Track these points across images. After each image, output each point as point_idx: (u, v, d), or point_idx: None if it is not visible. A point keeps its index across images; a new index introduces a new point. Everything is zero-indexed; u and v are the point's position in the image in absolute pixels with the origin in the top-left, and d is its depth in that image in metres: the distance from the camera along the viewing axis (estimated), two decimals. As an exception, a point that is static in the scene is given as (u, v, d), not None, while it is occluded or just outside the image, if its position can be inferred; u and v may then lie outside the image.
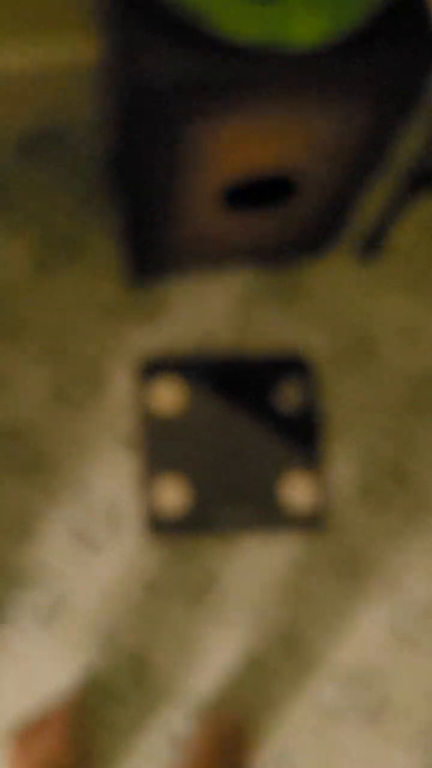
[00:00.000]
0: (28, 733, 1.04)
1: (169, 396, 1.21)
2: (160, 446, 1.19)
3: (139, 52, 0.79)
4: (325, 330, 1.27)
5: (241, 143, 0.91)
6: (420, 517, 1.21)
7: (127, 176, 1.00)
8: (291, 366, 1.24)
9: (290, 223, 1.13)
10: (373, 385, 1.26)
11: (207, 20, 0.78)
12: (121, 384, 1.22)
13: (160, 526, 1.16)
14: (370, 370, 1.26)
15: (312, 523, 1.19)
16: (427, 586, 1.19)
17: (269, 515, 1.18)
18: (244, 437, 1.20)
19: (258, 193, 1.07)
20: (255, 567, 1.18)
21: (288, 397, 1.23)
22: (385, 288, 1.29)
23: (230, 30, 0.78)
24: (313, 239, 1.20)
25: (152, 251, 1.14)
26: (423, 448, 1.24)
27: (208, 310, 1.26)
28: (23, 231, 1.26)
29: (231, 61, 0.80)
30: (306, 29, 0.78)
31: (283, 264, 1.27)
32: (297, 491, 1.19)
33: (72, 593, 1.14)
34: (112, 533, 1.17)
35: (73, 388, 1.21)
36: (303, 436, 1.21)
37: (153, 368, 1.22)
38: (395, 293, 1.29)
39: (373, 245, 1.27)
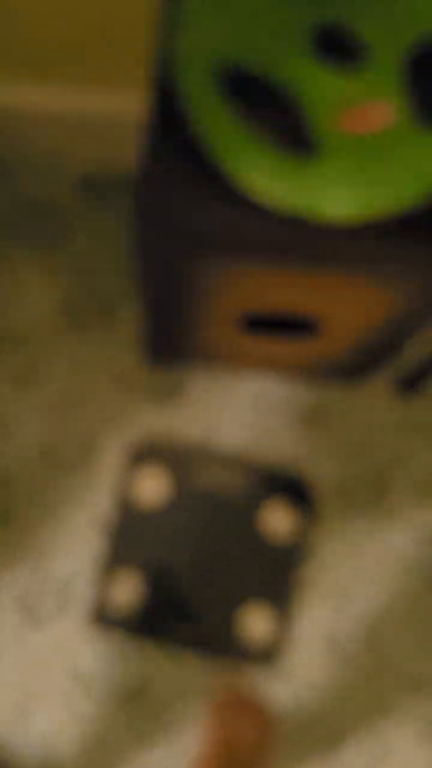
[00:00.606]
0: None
1: (152, 487, 1.15)
2: (129, 538, 1.13)
3: (158, 185, 0.72)
4: (338, 460, 1.18)
5: (259, 287, 0.83)
6: (378, 685, 1.12)
7: (143, 281, 0.93)
8: (289, 487, 1.15)
9: (317, 353, 1.05)
10: (374, 532, 1.16)
11: (235, 177, 0.71)
12: (110, 461, 1.17)
13: (105, 619, 1.11)
14: (374, 515, 1.17)
15: (262, 659, 1.11)
16: (357, 751, 1.10)
17: (220, 640, 1.12)
18: (217, 551, 1.13)
19: (282, 322, 0.98)
20: (191, 687, 1.12)
21: (277, 519, 1.15)
22: (415, 433, 1.19)
23: (255, 192, 0.70)
24: (342, 369, 1.11)
25: (168, 344, 1.08)
26: (403, 616, 1.14)
27: (220, 407, 1.19)
28: (61, 275, 1.22)
29: (253, 219, 0.72)
30: (339, 206, 0.69)
31: (310, 381, 1.19)
32: (256, 623, 1.12)
33: None
34: (57, 612, 1.12)
35: (62, 452, 1.17)
36: (280, 566, 1.14)
37: (144, 454, 1.16)
38: (425, 441, 1.19)
39: (411, 385, 1.16)
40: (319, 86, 0.72)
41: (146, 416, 1.18)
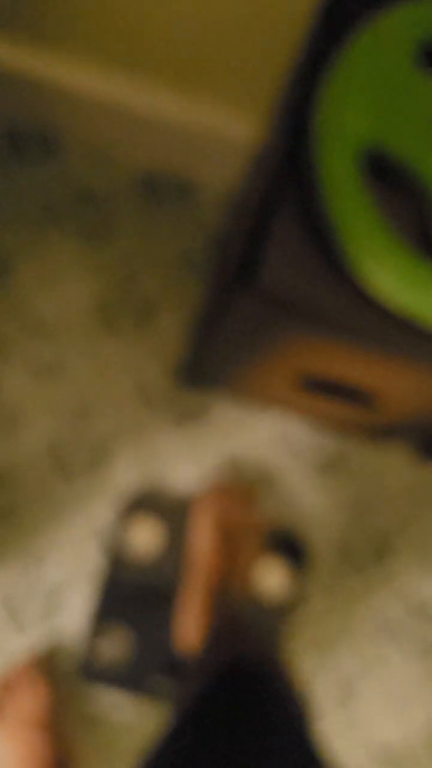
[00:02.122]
0: (3, 695, 1.02)
1: (145, 538, 1.11)
2: (120, 590, 1.09)
3: (267, 247, 0.69)
4: (345, 514, 1.17)
5: (328, 357, 0.81)
6: (346, 749, 1.13)
7: (209, 319, 0.90)
8: (285, 546, 1.14)
9: (361, 418, 1.03)
10: (367, 594, 1.16)
11: (357, 267, 0.67)
12: (118, 474, 1.14)
13: (91, 673, 1.08)
14: (371, 576, 1.16)
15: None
16: None
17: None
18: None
19: (337, 387, 0.96)
20: (162, 717, 1.11)
21: (269, 578, 1.13)
22: (426, 500, 1.18)
23: (374, 287, 0.67)
24: (371, 427, 1.10)
25: (210, 372, 1.05)
26: (380, 682, 1.15)
27: (239, 440, 1.16)
28: (102, 271, 1.17)
29: (359, 308, 0.69)
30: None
31: (335, 430, 1.17)
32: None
33: (-25, 659, 1.09)
34: (42, 619, 1.10)
35: (72, 455, 1.13)
36: (270, 623, 1.12)
37: (138, 504, 1.12)
38: (435, 512, 1.19)
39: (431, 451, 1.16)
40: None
41: (163, 434, 1.15)
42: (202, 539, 1.04)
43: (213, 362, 1.01)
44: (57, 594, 1.10)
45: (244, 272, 0.69)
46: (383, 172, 0.71)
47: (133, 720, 1.10)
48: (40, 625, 1.10)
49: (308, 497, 1.17)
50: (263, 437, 1.17)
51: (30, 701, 1.02)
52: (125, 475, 1.14)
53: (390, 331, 0.69)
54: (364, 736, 1.14)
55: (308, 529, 1.15)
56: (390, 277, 0.66)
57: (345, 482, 1.17)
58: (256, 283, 0.69)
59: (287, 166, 0.70)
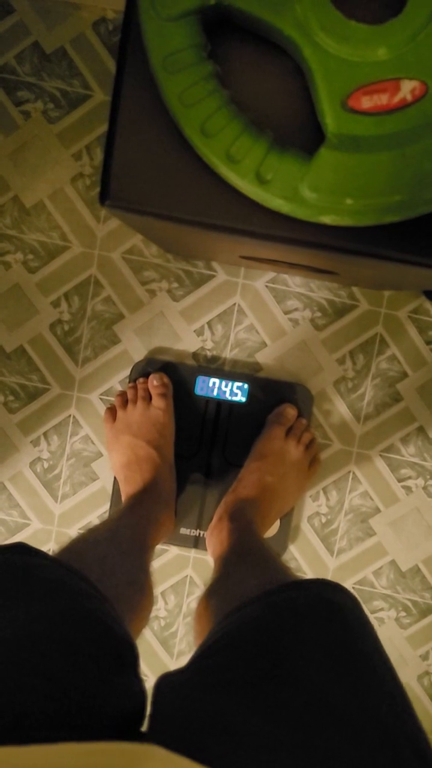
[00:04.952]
0: (121, 402, 1.06)
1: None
2: None
3: (113, 165, 0.61)
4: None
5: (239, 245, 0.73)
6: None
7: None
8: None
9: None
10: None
11: (202, 156, 0.58)
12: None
13: None
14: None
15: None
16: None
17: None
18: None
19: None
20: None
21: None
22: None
23: (237, 186, 0.58)
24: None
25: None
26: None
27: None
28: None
29: (220, 199, 0.60)
30: (337, 219, 0.57)
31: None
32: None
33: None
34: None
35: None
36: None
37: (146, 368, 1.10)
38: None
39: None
40: (339, 49, 0.56)
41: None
42: (277, 439, 1.04)
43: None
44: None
45: (103, 185, 0.62)
46: (232, 37, 0.58)
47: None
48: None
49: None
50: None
51: (143, 416, 1.03)
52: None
53: (255, 216, 0.60)
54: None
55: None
56: (249, 181, 0.57)
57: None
58: (109, 195, 0.61)
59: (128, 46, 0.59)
